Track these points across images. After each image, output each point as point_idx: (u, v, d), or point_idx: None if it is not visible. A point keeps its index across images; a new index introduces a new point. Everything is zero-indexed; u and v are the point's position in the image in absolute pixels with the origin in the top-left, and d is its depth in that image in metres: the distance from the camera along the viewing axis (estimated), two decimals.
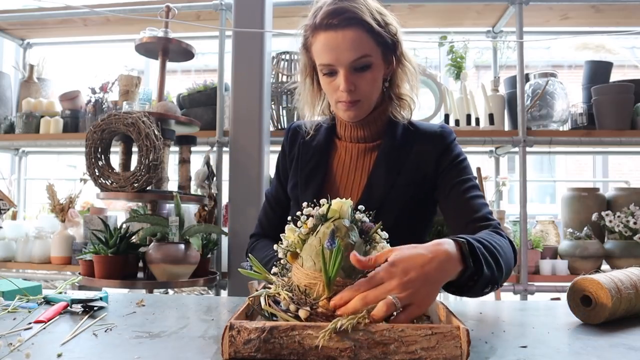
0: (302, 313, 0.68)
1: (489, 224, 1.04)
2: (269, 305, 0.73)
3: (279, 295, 0.74)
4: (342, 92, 1.08)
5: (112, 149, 1.96)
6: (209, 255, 2.18)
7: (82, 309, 0.91)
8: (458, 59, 2.52)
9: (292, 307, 0.70)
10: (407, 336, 0.62)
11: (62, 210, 2.35)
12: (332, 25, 1.05)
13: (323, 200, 0.79)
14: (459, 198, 1.10)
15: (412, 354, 0.61)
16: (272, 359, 0.63)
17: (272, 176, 1.39)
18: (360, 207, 0.80)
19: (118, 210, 2.75)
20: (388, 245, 0.78)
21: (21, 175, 3.08)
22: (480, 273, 0.80)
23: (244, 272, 0.84)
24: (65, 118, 2.63)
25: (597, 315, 0.86)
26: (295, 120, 2.22)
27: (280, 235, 0.82)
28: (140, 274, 2.00)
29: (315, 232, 0.76)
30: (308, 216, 0.79)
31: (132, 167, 1.92)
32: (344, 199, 0.78)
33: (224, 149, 2.41)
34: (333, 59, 1.07)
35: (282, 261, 0.81)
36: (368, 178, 1.16)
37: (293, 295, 0.73)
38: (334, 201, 0.78)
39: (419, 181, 1.15)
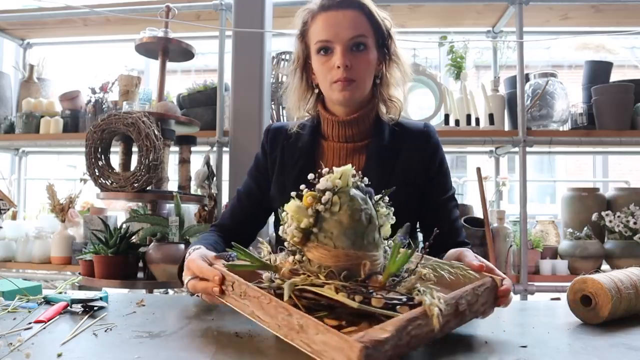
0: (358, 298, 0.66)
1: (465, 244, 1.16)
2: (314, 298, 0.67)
3: (309, 285, 0.69)
4: (337, 68, 1.09)
5: (112, 149, 1.96)
6: None
7: (82, 309, 0.91)
8: (458, 59, 2.52)
9: (357, 298, 0.66)
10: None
11: (62, 210, 2.35)
12: (333, 6, 1.11)
13: (325, 170, 0.75)
14: (445, 217, 1.18)
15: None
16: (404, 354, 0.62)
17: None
18: (357, 172, 0.78)
19: (118, 210, 2.75)
20: (390, 211, 0.80)
21: (21, 175, 3.08)
22: None
23: (228, 266, 0.79)
24: (65, 118, 2.63)
25: (597, 315, 0.86)
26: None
27: (283, 214, 0.76)
28: (140, 274, 2.00)
29: (335, 207, 0.71)
30: (323, 191, 0.73)
31: (132, 167, 1.92)
32: (345, 167, 0.75)
33: (224, 149, 2.41)
34: (332, 35, 1.10)
35: (290, 245, 0.75)
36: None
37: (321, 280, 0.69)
38: (335, 169, 0.74)
39: (410, 180, 1.17)
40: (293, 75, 1.21)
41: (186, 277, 0.86)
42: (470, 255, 0.89)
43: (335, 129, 1.19)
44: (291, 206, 0.73)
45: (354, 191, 0.73)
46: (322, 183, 0.73)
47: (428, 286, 0.69)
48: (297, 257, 0.74)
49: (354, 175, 0.75)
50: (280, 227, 0.77)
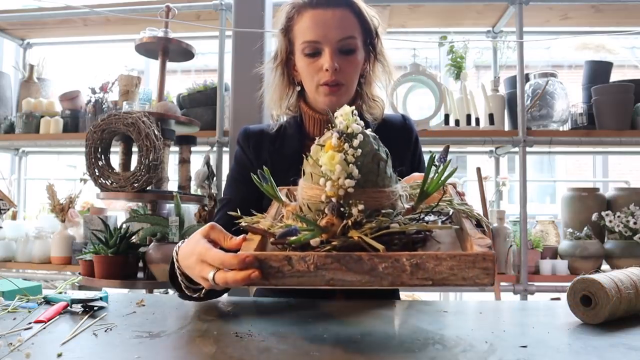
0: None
1: None
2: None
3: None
4: (325, 71, 1.05)
5: (112, 149, 1.96)
6: None
7: (82, 309, 0.91)
8: (458, 59, 2.52)
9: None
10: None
11: (62, 210, 2.35)
12: (322, 4, 1.05)
13: (342, 112, 0.70)
14: None
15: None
16: None
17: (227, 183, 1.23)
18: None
19: (118, 210, 2.75)
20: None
21: (21, 175, 3.08)
22: None
23: (294, 242, 0.66)
24: (65, 118, 2.63)
25: (597, 315, 0.85)
26: None
27: (322, 168, 0.68)
28: (140, 274, 2.00)
29: (365, 148, 0.68)
30: (347, 135, 0.68)
31: (132, 167, 1.92)
32: (345, 108, 0.72)
33: (224, 149, 2.41)
34: (320, 35, 1.05)
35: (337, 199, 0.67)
36: None
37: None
38: (339, 112, 0.72)
39: (402, 173, 1.16)
40: (274, 72, 1.16)
41: (205, 270, 0.71)
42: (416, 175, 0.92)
43: (323, 129, 1.13)
44: (332, 160, 0.66)
45: (364, 130, 0.71)
46: (341, 126, 0.68)
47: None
48: (360, 208, 0.65)
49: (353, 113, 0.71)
50: (305, 183, 0.71)
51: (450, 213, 0.76)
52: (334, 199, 0.66)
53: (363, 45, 1.11)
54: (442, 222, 0.71)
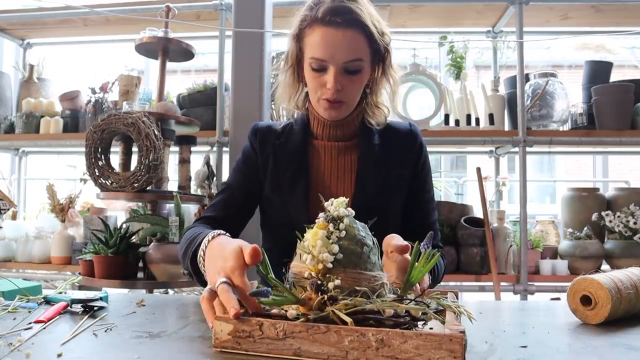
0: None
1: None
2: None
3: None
4: (328, 89, 1.08)
5: (112, 149, 1.96)
6: None
7: (82, 309, 0.91)
8: (458, 59, 2.52)
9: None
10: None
11: (62, 210, 2.35)
12: (334, 23, 1.06)
13: (331, 202, 0.76)
14: (424, 218, 1.22)
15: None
16: None
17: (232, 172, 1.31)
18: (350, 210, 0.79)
19: (118, 210, 2.75)
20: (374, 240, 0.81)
21: (21, 175, 3.08)
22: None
23: (265, 303, 0.71)
24: (65, 118, 2.63)
25: (597, 315, 0.86)
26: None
27: (302, 244, 0.74)
28: (140, 274, 2.00)
29: (350, 232, 0.74)
30: (333, 219, 0.73)
31: (132, 167, 1.92)
32: (340, 198, 0.77)
33: (224, 149, 2.41)
34: (328, 55, 1.07)
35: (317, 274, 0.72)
36: (357, 177, 1.16)
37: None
38: (328, 203, 0.77)
39: (401, 179, 1.19)
40: (284, 73, 1.20)
41: (214, 279, 0.76)
42: (397, 237, 0.87)
43: (326, 129, 1.19)
44: (315, 236, 0.71)
45: (352, 217, 0.76)
46: (332, 211, 0.74)
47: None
48: (336, 283, 0.69)
49: (346, 206, 0.77)
50: (295, 263, 0.75)
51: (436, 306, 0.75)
52: (314, 273, 0.70)
53: (370, 63, 1.13)
54: (423, 313, 0.70)
